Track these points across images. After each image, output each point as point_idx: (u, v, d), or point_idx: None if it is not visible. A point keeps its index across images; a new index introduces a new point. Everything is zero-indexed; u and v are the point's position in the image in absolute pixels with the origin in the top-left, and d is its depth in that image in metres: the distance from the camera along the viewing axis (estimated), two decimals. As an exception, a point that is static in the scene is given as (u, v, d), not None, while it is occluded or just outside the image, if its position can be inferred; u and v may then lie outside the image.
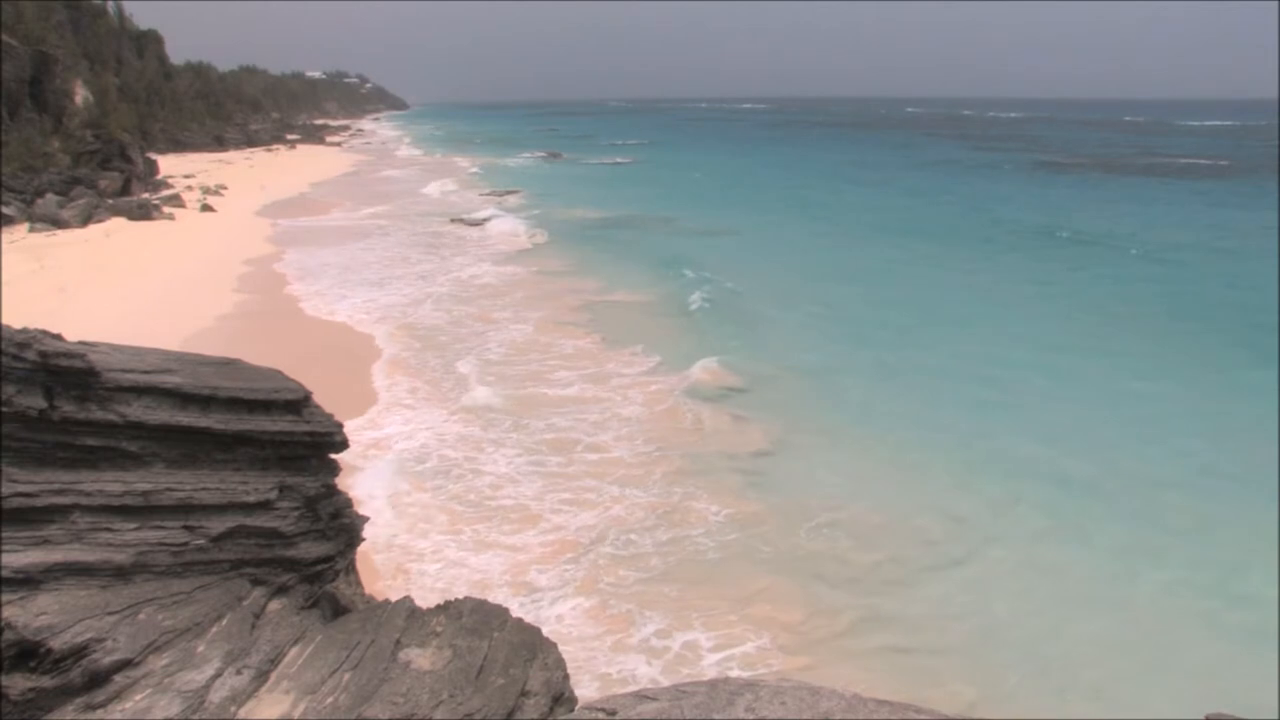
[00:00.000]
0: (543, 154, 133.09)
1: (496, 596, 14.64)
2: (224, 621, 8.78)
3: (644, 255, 48.47)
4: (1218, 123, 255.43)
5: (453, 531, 17.95)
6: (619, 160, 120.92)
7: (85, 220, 51.36)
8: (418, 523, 18.21)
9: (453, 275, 43.05)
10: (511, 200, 74.13)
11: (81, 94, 71.43)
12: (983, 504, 19.62)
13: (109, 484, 8.85)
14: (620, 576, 16.54)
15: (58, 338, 8.96)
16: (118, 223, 52.81)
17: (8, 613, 7.88)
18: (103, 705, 7.77)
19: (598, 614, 15.40)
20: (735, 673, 13.43)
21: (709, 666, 14.01)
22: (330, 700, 8.25)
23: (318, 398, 10.36)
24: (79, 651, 7.89)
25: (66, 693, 7.80)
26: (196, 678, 8.08)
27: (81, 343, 9.35)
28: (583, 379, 27.54)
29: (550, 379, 27.54)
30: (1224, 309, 37.37)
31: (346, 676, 8.58)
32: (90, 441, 8.90)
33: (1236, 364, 29.71)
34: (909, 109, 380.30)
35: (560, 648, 10.01)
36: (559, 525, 18.37)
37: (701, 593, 16.09)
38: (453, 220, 61.62)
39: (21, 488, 8.42)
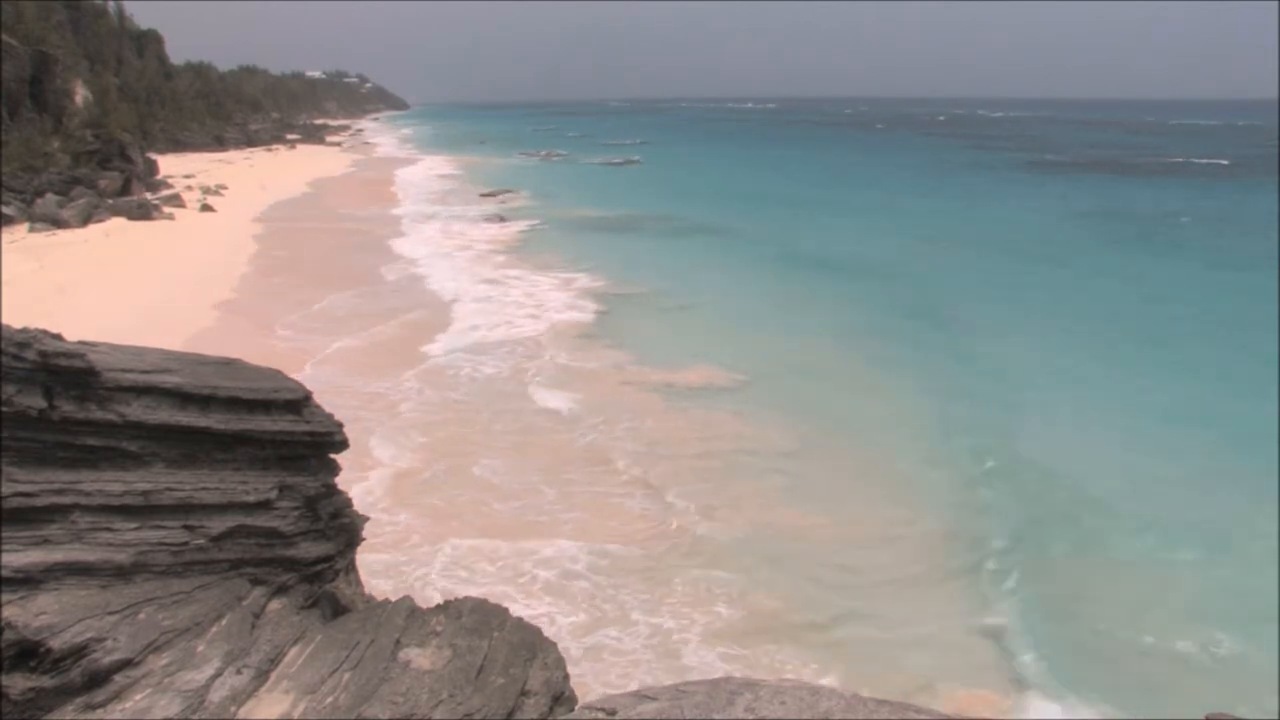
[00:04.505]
0: (543, 154, 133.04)
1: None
2: (224, 621, 8.79)
3: (642, 253, 48.62)
4: (1206, 122, 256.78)
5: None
6: (619, 160, 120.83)
7: (85, 220, 51.33)
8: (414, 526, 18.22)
9: (450, 273, 43.03)
10: (512, 200, 74.15)
11: (81, 94, 71.38)
12: (985, 511, 19.62)
13: (109, 484, 8.86)
14: (614, 578, 16.56)
15: (58, 338, 8.96)
16: (117, 223, 52.78)
17: (8, 613, 7.88)
18: (103, 705, 7.77)
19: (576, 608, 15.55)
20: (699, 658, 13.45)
21: (657, 642, 14.37)
22: (330, 700, 8.25)
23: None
24: (79, 651, 7.89)
25: (66, 692, 7.80)
26: (196, 677, 8.08)
27: (81, 343, 9.35)
28: (577, 377, 27.56)
29: (546, 378, 27.55)
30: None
31: (346, 676, 8.59)
32: (90, 441, 8.90)
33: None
34: (850, 110, 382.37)
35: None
36: (560, 531, 18.38)
37: (683, 588, 16.23)
38: (452, 219, 61.69)
39: (21, 488, 8.42)
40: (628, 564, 17.08)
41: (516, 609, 14.50)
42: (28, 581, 8.18)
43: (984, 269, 45.71)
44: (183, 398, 9.33)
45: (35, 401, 8.60)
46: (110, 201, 57.15)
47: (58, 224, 49.73)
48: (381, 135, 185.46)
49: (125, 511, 8.87)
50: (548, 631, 13.42)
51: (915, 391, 26.75)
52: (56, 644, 7.85)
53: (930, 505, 19.60)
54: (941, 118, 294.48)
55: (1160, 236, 56.12)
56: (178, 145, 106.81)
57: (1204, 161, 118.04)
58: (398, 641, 9.20)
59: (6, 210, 49.19)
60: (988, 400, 26.10)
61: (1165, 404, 26.04)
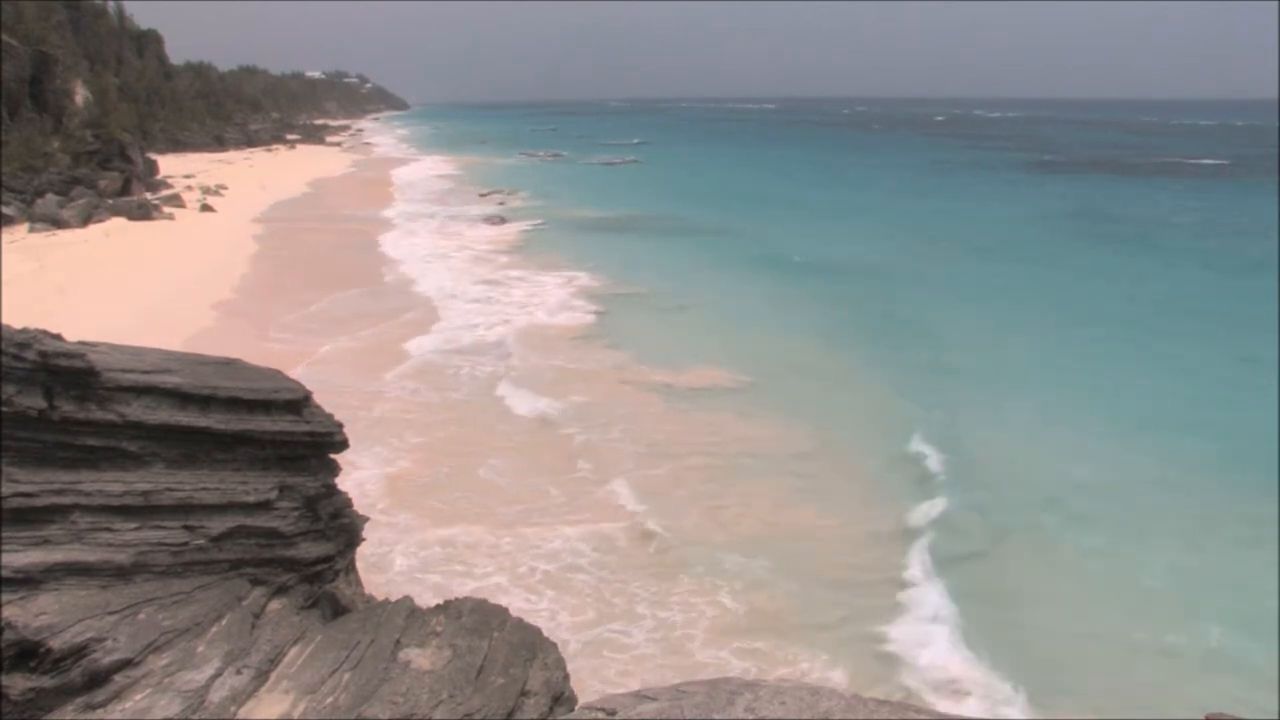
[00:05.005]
0: (543, 154, 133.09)
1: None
2: (224, 621, 8.79)
3: (642, 253, 48.68)
4: (1205, 122, 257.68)
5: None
6: (619, 160, 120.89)
7: (85, 220, 51.34)
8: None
9: (450, 273, 43.05)
10: (512, 200, 74.17)
11: (81, 94, 71.37)
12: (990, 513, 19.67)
13: (109, 484, 8.86)
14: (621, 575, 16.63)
15: (58, 338, 8.97)
16: (117, 223, 52.78)
17: (8, 613, 7.88)
18: (103, 705, 7.77)
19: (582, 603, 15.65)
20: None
21: (661, 636, 14.66)
22: (330, 700, 8.26)
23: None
24: (79, 651, 7.89)
25: (66, 692, 7.81)
26: (196, 677, 8.09)
27: (81, 343, 9.36)
28: (577, 378, 27.57)
29: (546, 379, 27.55)
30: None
31: (346, 676, 8.59)
32: (90, 441, 8.91)
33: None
34: (847, 110, 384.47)
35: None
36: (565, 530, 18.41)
37: (689, 583, 16.37)
38: (451, 220, 61.74)
39: (21, 488, 8.42)
40: (633, 560, 17.14)
41: (518, 603, 14.69)
42: (28, 581, 8.18)
43: (982, 270, 45.78)
44: (183, 398, 9.34)
45: (35, 401, 8.60)
46: (110, 201, 57.15)
47: (58, 224, 49.73)
48: (381, 135, 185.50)
49: (125, 511, 8.87)
50: (549, 627, 13.55)
51: (914, 392, 26.77)
52: (56, 644, 7.85)
53: (934, 506, 19.62)
54: (940, 118, 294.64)
55: (1156, 238, 56.25)
56: (178, 145, 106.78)
57: (1204, 162, 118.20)
58: (398, 642, 9.20)
59: (6, 210, 49.19)
60: (987, 400, 26.17)
61: (1159, 404, 26.18)
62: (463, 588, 15.66)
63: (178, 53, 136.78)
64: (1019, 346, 32.09)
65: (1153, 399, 26.67)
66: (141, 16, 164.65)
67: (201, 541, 9.17)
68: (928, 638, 15.06)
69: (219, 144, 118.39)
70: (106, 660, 7.91)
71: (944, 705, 12.69)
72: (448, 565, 16.76)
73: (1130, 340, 32.94)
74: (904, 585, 16.64)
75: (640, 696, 7.19)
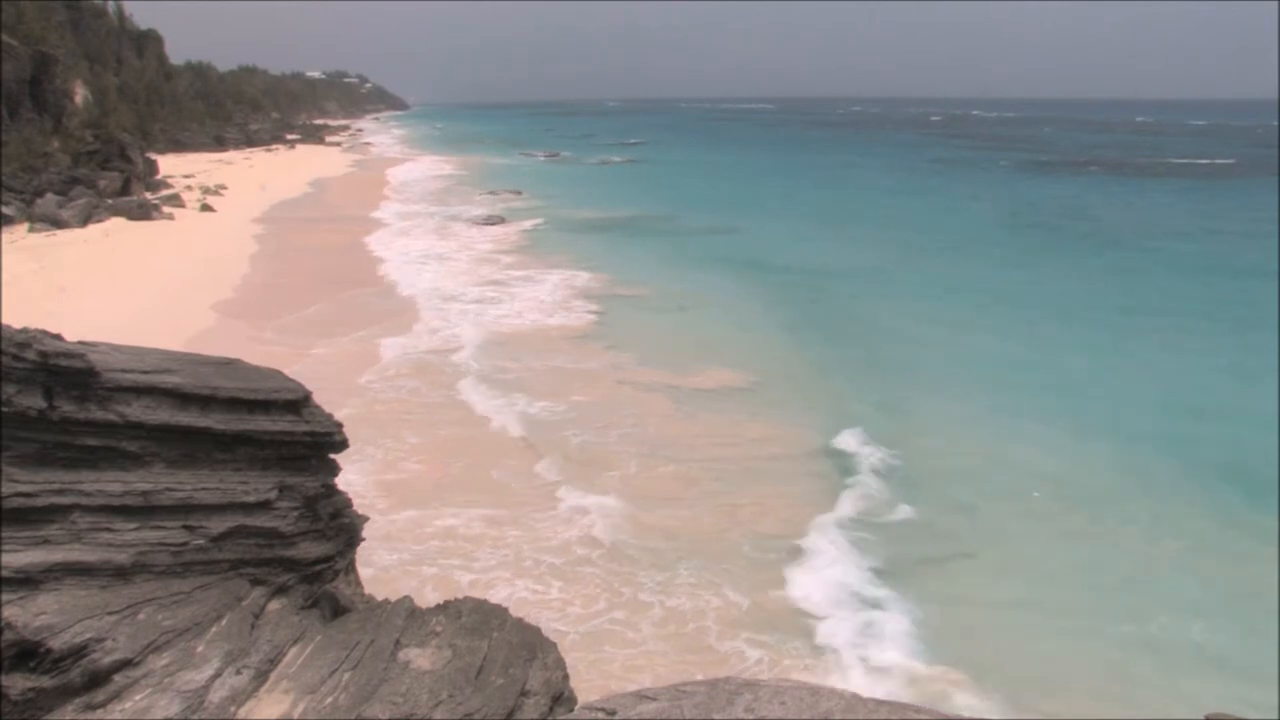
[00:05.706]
0: (542, 154, 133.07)
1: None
2: (224, 621, 8.79)
3: (643, 254, 48.69)
4: (1205, 122, 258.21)
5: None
6: (619, 160, 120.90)
7: (85, 220, 51.29)
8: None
9: (449, 273, 43.06)
10: (512, 200, 74.16)
11: (81, 94, 71.38)
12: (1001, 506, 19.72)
13: (109, 484, 8.85)
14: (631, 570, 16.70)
15: (58, 338, 8.96)
16: (117, 223, 52.75)
17: (8, 613, 7.88)
18: (102, 705, 7.77)
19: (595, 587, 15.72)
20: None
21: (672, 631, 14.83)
22: (330, 700, 8.26)
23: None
24: (79, 651, 7.89)
25: (66, 693, 7.81)
26: (196, 678, 8.09)
27: (81, 343, 9.35)
28: (577, 378, 27.57)
29: (547, 379, 27.55)
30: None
31: (346, 676, 8.59)
32: (90, 441, 8.90)
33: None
34: (842, 110, 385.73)
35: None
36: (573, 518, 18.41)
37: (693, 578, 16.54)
38: (451, 220, 61.71)
39: (21, 488, 8.42)
40: (641, 557, 17.19)
41: (522, 595, 14.73)
42: (28, 581, 8.18)
43: (979, 271, 45.80)
44: (183, 398, 9.33)
45: (35, 401, 8.60)
46: (110, 201, 57.09)
47: (57, 224, 49.69)
48: (381, 135, 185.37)
49: (125, 512, 8.87)
50: (556, 620, 13.60)
51: (915, 393, 26.80)
52: (56, 644, 7.85)
53: (932, 504, 19.67)
54: (937, 118, 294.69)
55: (1152, 238, 56.25)
56: (178, 145, 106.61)
57: (1199, 162, 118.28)
58: (397, 642, 9.20)
59: (6, 210, 49.14)
60: (984, 399, 26.22)
61: (1153, 404, 26.31)
62: (464, 578, 15.76)
63: (178, 53, 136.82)
64: (1014, 345, 32.14)
65: (1148, 399, 26.77)
66: (141, 16, 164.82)
67: (201, 541, 9.16)
68: (922, 634, 15.09)
69: (219, 144, 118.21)
70: (106, 660, 7.91)
71: (939, 703, 12.71)
72: (447, 559, 16.77)
73: (1120, 340, 33.03)
74: (899, 583, 16.70)
75: (640, 696, 7.20)
